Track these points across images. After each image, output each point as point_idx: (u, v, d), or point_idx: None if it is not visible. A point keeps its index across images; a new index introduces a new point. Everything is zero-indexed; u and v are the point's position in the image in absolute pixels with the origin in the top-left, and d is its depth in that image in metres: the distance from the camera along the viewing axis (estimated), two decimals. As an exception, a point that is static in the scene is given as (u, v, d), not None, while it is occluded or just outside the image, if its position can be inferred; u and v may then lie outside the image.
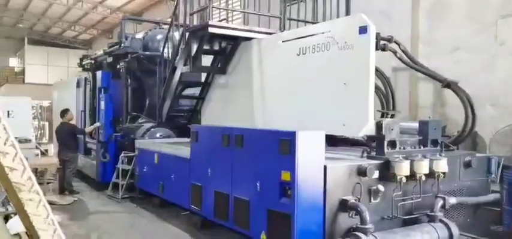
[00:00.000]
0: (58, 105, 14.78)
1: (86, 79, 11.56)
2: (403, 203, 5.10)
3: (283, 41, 6.02)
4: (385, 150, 5.11)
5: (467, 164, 5.79)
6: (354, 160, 5.17)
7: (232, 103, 7.09)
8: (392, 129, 5.17)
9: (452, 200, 5.32)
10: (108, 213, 8.04)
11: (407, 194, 5.15)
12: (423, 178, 5.07)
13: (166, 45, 8.03)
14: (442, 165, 5.23)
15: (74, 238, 6.41)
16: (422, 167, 5.06)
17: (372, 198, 4.93)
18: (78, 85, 11.99)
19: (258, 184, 4.98)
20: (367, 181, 4.85)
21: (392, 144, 5.20)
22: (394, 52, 6.76)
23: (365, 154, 5.30)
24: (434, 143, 5.68)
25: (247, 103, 6.66)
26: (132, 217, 7.68)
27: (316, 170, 4.59)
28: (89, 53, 14.02)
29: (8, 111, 10.17)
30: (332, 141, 7.22)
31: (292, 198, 4.51)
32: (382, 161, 5.00)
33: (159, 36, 9.41)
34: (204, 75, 7.93)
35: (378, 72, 7.22)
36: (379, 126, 5.12)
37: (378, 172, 4.96)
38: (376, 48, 6.50)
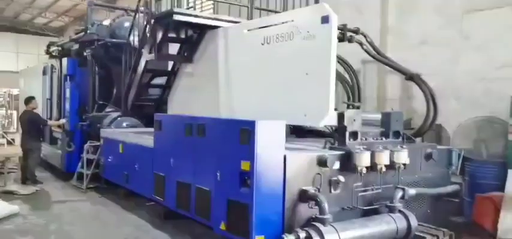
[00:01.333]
0: (24, 93, 14.35)
1: (52, 67, 11.22)
2: (363, 194, 5.12)
3: (248, 30, 5.94)
4: (347, 141, 5.12)
5: (428, 156, 5.85)
6: (316, 150, 5.16)
7: (197, 92, 6.99)
8: (354, 120, 5.18)
9: (412, 191, 5.36)
10: (71, 203, 7.86)
11: (368, 185, 5.18)
12: (384, 169, 5.09)
13: (132, 32, 7.85)
14: (402, 156, 5.27)
15: (34, 228, 6.23)
16: (383, 158, 5.08)
17: (332, 189, 4.92)
18: (44, 73, 11.65)
19: (218, 174, 4.92)
20: (327, 172, 4.85)
21: (354, 135, 5.22)
22: (361, 44, 6.79)
23: (328, 145, 5.30)
24: (396, 134, 5.72)
25: (212, 92, 6.57)
26: (96, 208, 7.52)
27: (275, 160, 4.55)
28: (56, 40, 13.61)
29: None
30: (300, 132, 7.25)
31: (250, 188, 4.47)
32: (343, 152, 5.00)
33: (126, 24, 9.18)
34: (171, 64, 7.80)
35: (346, 65, 7.25)
36: (341, 117, 5.12)
37: (339, 162, 4.97)
38: (343, 40, 6.55)
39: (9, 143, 15.74)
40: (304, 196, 4.70)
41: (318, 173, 4.78)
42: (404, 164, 5.29)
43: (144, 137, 6.91)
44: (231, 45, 6.25)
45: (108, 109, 9.56)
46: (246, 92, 6.00)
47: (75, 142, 9.53)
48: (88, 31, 9.24)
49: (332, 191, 4.92)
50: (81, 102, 9.69)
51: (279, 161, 4.57)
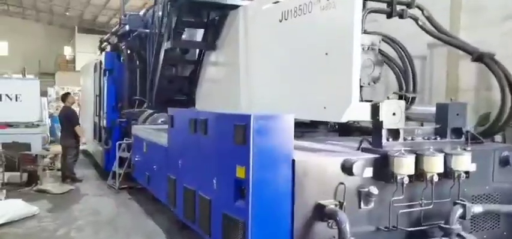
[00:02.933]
0: (83, 90, 14.60)
1: (100, 63, 11.05)
2: (406, 211, 3.88)
3: (265, 7, 4.91)
4: (384, 141, 3.90)
5: (505, 161, 4.40)
6: (343, 153, 4.01)
7: (219, 83, 6.11)
8: (394, 114, 3.95)
9: (477, 209, 3.99)
10: (96, 204, 7.39)
11: (414, 199, 3.92)
12: (436, 178, 3.81)
13: (154, 19, 7.19)
14: (464, 162, 3.92)
15: (41, 234, 5.77)
16: (434, 164, 3.79)
17: (362, 203, 3.76)
18: (95, 69, 11.54)
19: (214, 181, 3.99)
20: (355, 181, 3.70)
21: (395, 133, 3.98)
22: (416, 19, 5.42)
23: (363, 145, 4.12)
24: (457, 133, 4.36)
25: (233, 82, 5.63)
26: (117, 211, 6.97)
27: (280, 165, 3.50)
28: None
29: (16, 95, 9.86)
30: (346, 130, 6.05)
31: (246, 200, 3.47)
32: (377, 156, 3.80)
33: (160, 13, 8.57)
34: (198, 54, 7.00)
35: (397, 46, 5.90)
36: (375, 110, 3.92)
37: (371, 169, 3.79)
38: (391, 15, 5.25)
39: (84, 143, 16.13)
40: (320, 213, 3.60)
41: (342, 183, 3.65)
42: (467, 172, 3.94)
43: (161, 135, 6.17)
44: (249, 25, 5.27)
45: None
46: (264, 81, 4.99)
47: (113, 139, 9.13)
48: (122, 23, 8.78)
49: (362, 206, 3.76)
50: (119, 97, 9.26)
51: (286, 167, 3.51)
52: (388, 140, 3.92)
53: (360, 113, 3.84)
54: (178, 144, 5.27)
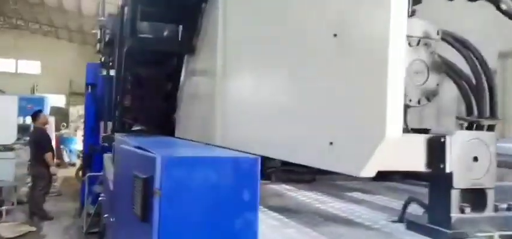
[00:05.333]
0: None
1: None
2: None
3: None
4: (453, 213, 1.89)
5: None
6: (366, 228, 2.03)
7: (196, 102, 4.24)
8: (475, 159, 1.94)
9: None
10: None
11: None
12: None
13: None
14: None
15: None
16: None
17: None
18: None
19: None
20: None
21: (476, 197, 1.95)
22: (496, 3, 3.38)
23: (409, 219, 2.12)
24: None
25: (206, 101, 3.74)
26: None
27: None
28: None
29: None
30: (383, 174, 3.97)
31: None
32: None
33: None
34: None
35: (462, 45, 3.82)
36: (435, 148, 1.91)
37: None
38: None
39: (72, 165, 14.80)
40: None
41: None
42: None
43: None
44: (231, 9, 3.40)
45: (136, 127, 7.34)
46: (243, 98, 3.06)
47: (94, 167, 7.44)
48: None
49: None
50: (102, 118, 7.59)
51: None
52: (462, 211, 1.90)
53: (404, 157, 1.84)
54: (114, 190, 3.45)
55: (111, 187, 4.10)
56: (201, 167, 1.58)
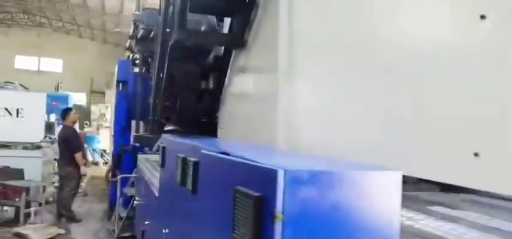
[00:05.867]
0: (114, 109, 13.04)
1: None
2: None
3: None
4: None
5: None
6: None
7: (247, 101, 3.87)
8: None
9: None
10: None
11: None
12: None
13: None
14: None
15: None
16: None
17: None
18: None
19: None
20: None
21: None
22: None
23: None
24: None
25: (265, 102, 3.36)
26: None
27: None
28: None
29: (18, 110, 8.16)
30: None
31: None
32: None
33: None
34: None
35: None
36: None
37: None
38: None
39: (95, 164, 14.60)
40: None
41: None
42: None
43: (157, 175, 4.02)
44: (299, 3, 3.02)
45: (169, 127, 7.02)
46: (325, 101, 2.67)
47: (123, 169, 7.14)
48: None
49: None
50: (134, 116, 7.28)
51: None
52: None
53: None
54: (167, 197, 3.10)
55: (156, 192, 3.77)
56: (335, 183, 1.20)
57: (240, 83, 4.27)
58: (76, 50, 33.41)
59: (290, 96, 3.05)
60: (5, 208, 6.82)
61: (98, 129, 20.77)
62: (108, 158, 14.73)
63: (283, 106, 3.11)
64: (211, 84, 5.15)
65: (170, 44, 4.23)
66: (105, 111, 22.18)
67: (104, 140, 17.18)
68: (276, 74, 3.22)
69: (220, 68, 4.71)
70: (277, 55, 3.25)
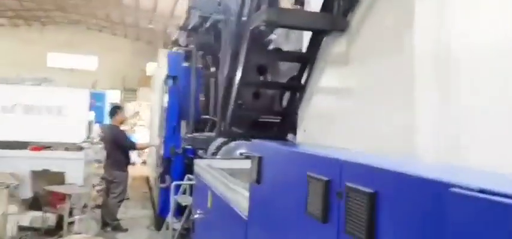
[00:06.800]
0: (152, 108, 12.55)
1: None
2: None
3: None
4: None
5: None
6: None
7: (354, 97, 3.05)
8: None
9: None
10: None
11: None
12: None
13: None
14: None
15: None
16: None
17: None
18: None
19: None
20: None
21: None
22: None
23: None
24: None
25: (398, 99, 2.55)
26: None
27: None
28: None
29: (59, 108, 7.54)
30: None
31: None
32: None
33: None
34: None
35: None
36: None
37: None
38: None
39: (143, 163, 14.07)
40: None
41: None
42: None
43: (243, 190, 3.24)
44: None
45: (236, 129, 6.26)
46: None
47: (173, 174, 6.44)
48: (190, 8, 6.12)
49: None
50: (185, 116, 6.58)
51: None
52: None
53: None
54: (273, 226, 2.33)
55: (239, 212, 3.01)
56: None
57: (339, 75, 3.45)
58: (109, 47, 33.37)
59: (442, 94, 2.24)
60: (47, 214, 6.25)
61: (132, 128, 20.37)
62: (145, 158, 14.21)
63: (428, 107, 2.30)
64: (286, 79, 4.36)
65: (249, 29, 3.44)
66: (139, 110, 21.88)
67: (140, 140, 16.70)
68: (411, 62, 2.40)
69: (304, 58, 3.90)
70: (412, 38, 2.43)
